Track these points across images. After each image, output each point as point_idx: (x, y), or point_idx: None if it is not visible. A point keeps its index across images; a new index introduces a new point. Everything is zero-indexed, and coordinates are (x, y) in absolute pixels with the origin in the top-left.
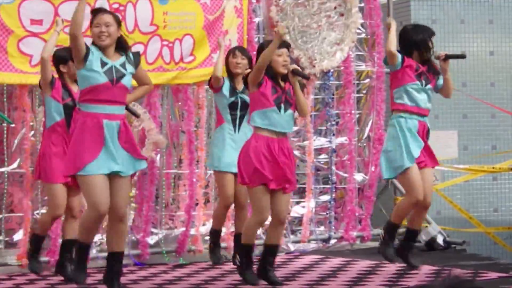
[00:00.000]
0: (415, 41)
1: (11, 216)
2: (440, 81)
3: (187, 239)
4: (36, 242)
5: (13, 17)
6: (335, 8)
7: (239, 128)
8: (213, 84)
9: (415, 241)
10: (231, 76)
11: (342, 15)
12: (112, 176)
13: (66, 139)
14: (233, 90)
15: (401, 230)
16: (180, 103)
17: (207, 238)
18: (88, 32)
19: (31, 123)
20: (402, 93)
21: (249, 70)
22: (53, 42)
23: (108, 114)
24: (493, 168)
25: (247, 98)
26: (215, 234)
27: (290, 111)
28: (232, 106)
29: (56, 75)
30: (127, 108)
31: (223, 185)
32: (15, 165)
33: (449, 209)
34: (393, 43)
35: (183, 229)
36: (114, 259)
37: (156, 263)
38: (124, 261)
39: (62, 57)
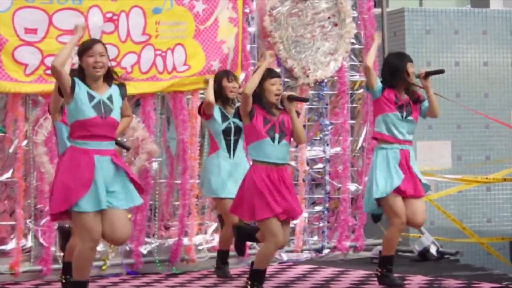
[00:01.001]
0: (395, 65)
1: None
2: (425, 105)
3: (180, 249)
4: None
5: (8, 26)
6: (329, 18)
7: (234, 153)
8: (205, 110)
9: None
10: (223, 100)
11: (336, 25)
12: (109, 210)
13: None
14: (224, 116)
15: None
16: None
17: (201, 247)
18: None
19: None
20: (381, 122)
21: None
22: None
23: (99, 150)
24: (487, 178)
25: (239, 122)
26: (223, 254)
27: (284, 141)
28: (226, 132)
29: None
30: (117, 143)
31: (224, 209)
32: (9, 174)
33: (442, 219)
34: (370, 58)
35: (175, 236)
36: None
37: (149, 272)
38: (117, 270)
39: None
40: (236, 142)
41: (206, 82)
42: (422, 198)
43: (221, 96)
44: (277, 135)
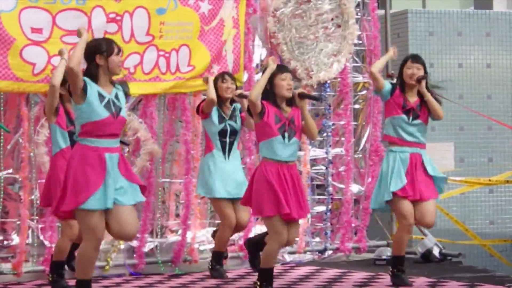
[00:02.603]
0: (400, 67)
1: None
2: None
3: (183, 249)
4: (57, 268)
5: (15, 25)
6: (332, 19)
7: (229, 155)
8: (204, 109)
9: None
10: (220, 101)
11: (339, 26)
12: (116, 207)
13: None
14: (221, 117)
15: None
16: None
17: (202, 248)
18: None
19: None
20: (389, 124)
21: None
22: (62, 70)
23: (109, 148)
24: (489, 180)
25: (235, 125)
26: (218, 256)
27: (294, 139)
28: (222, 133)
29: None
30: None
31: (221, 209)
32: (10, 170)
33: (445, 221)
34: (376, 65)
35: (178, 237)
36: None
37: (152, 273)
38: (120, 271)
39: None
40: (231, 144)
41: (206, 80)
42: (432, 199)
43: (217, 96)
44: (286, 134)
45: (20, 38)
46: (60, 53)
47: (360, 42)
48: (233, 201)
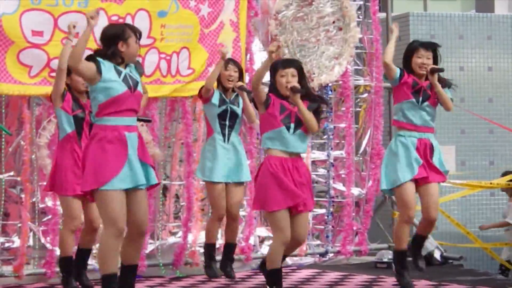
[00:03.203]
0: (407, 50)
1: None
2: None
3: (184, 252)
4: (65, 265)
5: (15, 27)
6: (333, 22)
7: (228, 138)
8: (203, 94)
9: (421, 246)
10: (223, 87)
11: (340, 29)
12: (131, 191)
13: (78, 151)
14: (222, 100)
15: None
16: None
17: (203, 251)
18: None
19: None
20: (398, 110)
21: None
22: (67, 53)
23: (127, 126)
24: (491, 183)
25: (236, 108)
26: (209, 248)
27: (299, 131)
28: (222, 115)
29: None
30: (138, 118)
31: (214, 197)
32: (11, 172)
33: (446, 224)
34: (388, 54)
35: (179, 239)
36: (130, 271)
37: (153, 276)
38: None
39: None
40: (231, 127)
41: (224, 57)
42: (436, 183)
43: (220, 83)
44: (292, 125)
45: (19, 41)
46: (69, 29)
47: (362, 45)
48: (228, 185)
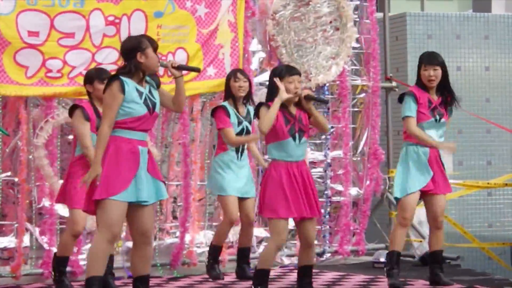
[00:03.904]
0: (418, 66)
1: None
2: (451, 109)
3: (181, 252)
4: (61, 264)
5: (11, 28)
6: (330, 22)
7: (241, 154)
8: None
9: (440, 262)
10: (234, 99)
11: (337, 29)
12: (136, 205)
13: None
14: (239, 120)
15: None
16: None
17: (200, 251)
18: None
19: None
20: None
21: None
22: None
23: (141, 141)
24: (488, 183)
25: (249, 126)
26: (215, 250)
27: (304, 139)
28: (238, 135)
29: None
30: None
31: (227, 205)
32: (8, 173)
33: (443, 224)
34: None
35: (176, 239)
36: (141, 283)
37: (150, 276)
38: (118, 274)
39: (88, 77)
40: (244, 145)
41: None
42: (445, 195)
43: (231, 95)
44: (297, 135)
45: (16, 41)
46: None
47: (359, 45)
48: (241, 200)
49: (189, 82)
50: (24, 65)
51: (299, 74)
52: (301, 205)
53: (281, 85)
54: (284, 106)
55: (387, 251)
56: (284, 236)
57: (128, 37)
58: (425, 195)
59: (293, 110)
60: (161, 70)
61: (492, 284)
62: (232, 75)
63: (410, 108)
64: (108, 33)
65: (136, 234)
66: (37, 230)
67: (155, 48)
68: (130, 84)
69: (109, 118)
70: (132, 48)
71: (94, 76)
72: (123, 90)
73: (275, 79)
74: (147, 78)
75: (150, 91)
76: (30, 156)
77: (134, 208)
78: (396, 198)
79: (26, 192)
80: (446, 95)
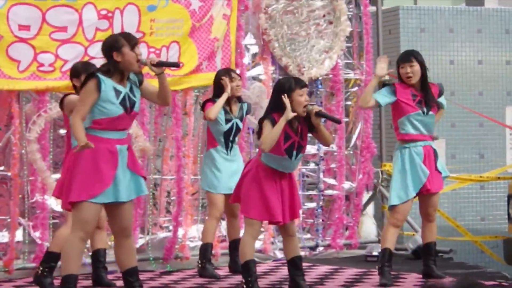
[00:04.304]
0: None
1: None
2: (442, 100)
3: (174, 246)
4: (51, 259)
5: (3, 22)
6: (324, 16)
7: (231, 150)
8: (206, 116)
9: (433, 254)
10: (228, 100)
11: (331, 23)
12: (116, 203)
13: None
14: (229, 117)
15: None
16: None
17: (193, 245)
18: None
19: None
20: (405, 122)
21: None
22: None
23: (119, 140)
24: (481, 177)
25: (240, 123)
26: (206, 249)
27: (300, 155)
28: (227, 132)
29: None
30: (164, 64)
31: (215, 203)
32: (1, 167)
33: (436, 217)
34: (364, 98)
35: (169, 233)
36: (130, 275)
37: (143, 270)
38: (111, 268)
39: (75, 71)
40: (234, 140)
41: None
42: (438, 192)
43: (222, 93)
44: (294, 152)
45: (7, 35)
46: None
47: (352, 39)
48: (227, 194)
49: (183, 76)
50: (16, 59)
51: (307, 86)
52: (276, 210)
53: (288, 103)
54: (288, 121)
55: (380, 245)
56: (258, 227)
57: (108, 35)
58: (420, 193)
59: (296, 123)
60: None
61: (485, 278)
62: (227, 74)
63: (379, 92)
64: (101, 27)
65: (117, 231)
66: (30, 225)
67: (133, 45)
68: (107, 83)
69: (81, 112)
70: (109, 47)
71: (81, 70)
72: (99, 89)
73: (282, 96)
74: (131, 76)
75: (131, 89)
76: (23, 151)
77: (113, 206)
78: (392, 205)
79: (18, 187)
80: (427, 91)
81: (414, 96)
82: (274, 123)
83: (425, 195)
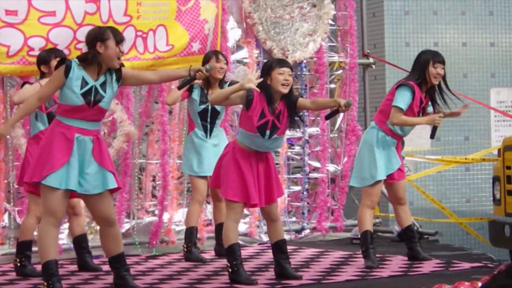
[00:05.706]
0: (424, 60)
1: None
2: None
3: (159, 230)
4: (24, 248)
5: None
6: None
7: (210, 134)
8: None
9: (415, 236)
10: (209, 81)
11: (314, 6)
12: (90, 195)
13: None
14: (204, 98)
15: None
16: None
17: (179, 229)
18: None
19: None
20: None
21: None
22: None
23: (82, 129)
24: (466, 158)
25: (217, 106)
26: (190, 232)
27: (275, 136)
28: (202, 114)
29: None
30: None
31: (196, 186)
32: None
33: (421, 199)
34: (404, 124)
35: (155, 218)
36: (117, 261)
37: (129, 254)
38: (97, 252)
39: (43, 58)
40: (212, 124)
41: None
42: (404, 183)
43: (210, 75)
44: (268, 132)
45: None
46: None
47: (336, 21)
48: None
49: (173, 57)
50: (6, 45)
51: (291, 67)
52: (253, 193)
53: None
54: (269, 100)
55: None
56: (240, 209)
57: (96, 27)
58: (388, 181)
59: (277, 104)
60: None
61: (470, 259)
62: (214, 55)
63: (405, 102)
64: (88, 11)
65: (99, 220)
66: (15, 210)
67: (118, 41)
68: (76, 72)
69: (42, 92)
70: (94, 37)
71: (47, 56)
72: (66, 74)
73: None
74: (110, 71)
75: (103, 84)
76: (8, 136)
77: (87, 198)
78: (352, 186)
79: (4, 172)
80: (434, 98)
81: (421, 102)
82: (251, 98)
83: (393, 183)
